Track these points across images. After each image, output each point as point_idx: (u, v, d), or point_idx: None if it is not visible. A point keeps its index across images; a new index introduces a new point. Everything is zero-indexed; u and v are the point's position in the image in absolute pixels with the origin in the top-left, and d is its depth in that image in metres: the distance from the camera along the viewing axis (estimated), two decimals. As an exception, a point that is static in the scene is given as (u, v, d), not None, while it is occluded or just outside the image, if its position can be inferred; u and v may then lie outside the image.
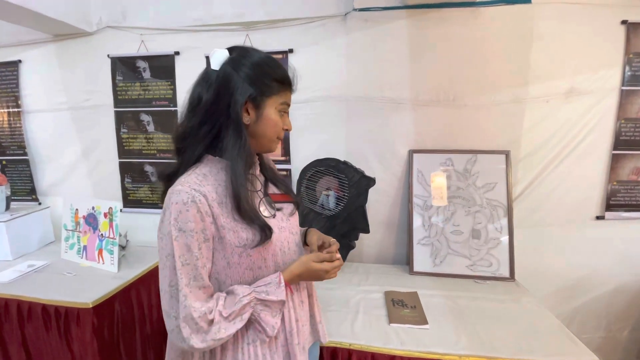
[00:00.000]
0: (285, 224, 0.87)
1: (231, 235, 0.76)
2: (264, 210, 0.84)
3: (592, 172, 1.71)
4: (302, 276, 0.83)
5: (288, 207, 0.91)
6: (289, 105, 0.84)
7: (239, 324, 0.75)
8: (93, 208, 1.70)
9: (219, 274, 0.79)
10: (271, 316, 0.78)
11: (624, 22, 1.58)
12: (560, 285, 1.80)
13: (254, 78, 0.76)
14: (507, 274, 1.59)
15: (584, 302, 1.81)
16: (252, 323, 0.79)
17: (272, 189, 0.91)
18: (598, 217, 1.73)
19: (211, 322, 0.72)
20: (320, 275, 0.84)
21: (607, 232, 1.74)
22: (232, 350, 0.78)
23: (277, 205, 0.88)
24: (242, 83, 0.75)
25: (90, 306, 1.37)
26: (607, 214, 1.72)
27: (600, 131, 1.67)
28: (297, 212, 0.93)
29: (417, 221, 1.70)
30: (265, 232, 0.77)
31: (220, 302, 0.74)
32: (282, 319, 0.82)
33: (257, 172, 0.88)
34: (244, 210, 0.75)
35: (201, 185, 0.74)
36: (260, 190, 0.86)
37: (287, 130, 0.85)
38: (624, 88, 1.63)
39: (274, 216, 0.84)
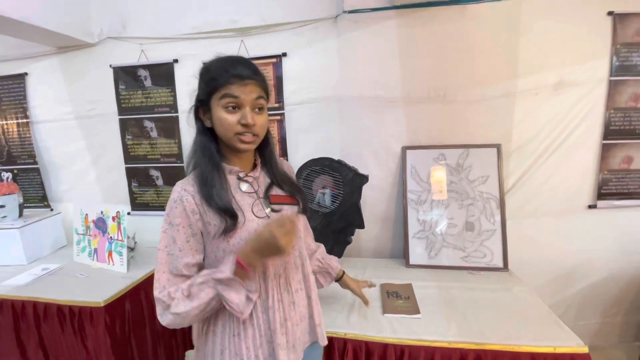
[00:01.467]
0: None
1: (216, 230, 0.82)
2: (258, 211, 0.87)
3: (583, 162, 1.73)
4: (256, 250, 0.78)
5: (288, 210, 0.92)
6: (235, 97, 0.79)
7: (195, 302, 0.77)
8: (102, 212, 1.78)
9: (211, 267, 0.84)
10: (236, 293, 0.78)
11: (610, 13, 1.60)
12: (556, 274, 1.84)
13: (199, 85, 0.85)
14: (500, 264, 1.64)
15: (579, 290, 1.85)
16: (228, 312, 0.82)
17: (279, 192, 0.93)
18: (590, 206, 1.76)
19: (173, 299, 0.78)
20: (273, 244, 0.75)
21: (599, 220, 1.77)
22: (220, 339, 0.85)
23: (276, 207, 0.90)
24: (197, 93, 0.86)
25: (102, 305, 1.45)
26: (599, 203, 1.75)
27: (590, 122, 1.69)
28: (298, 216, 0.93)
29: (411, 215, 1.75)
30: (229, 216, 0.80)
31: (187, 282, 0.79)
32: (267, 317, 0.85)
33: (257, 174, 0.92)
34: (207, 197, 0.81)
35: (191, 185, 0.83)
36: (255, 191, 0.90)
37: (248, 124, 0.80)
38: (612, 78, 1.65)
39: (267, 217, 0.87)
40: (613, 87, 1.65)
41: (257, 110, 0.83)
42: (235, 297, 0.78)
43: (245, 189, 0.89)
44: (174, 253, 0.81)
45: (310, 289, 0.96)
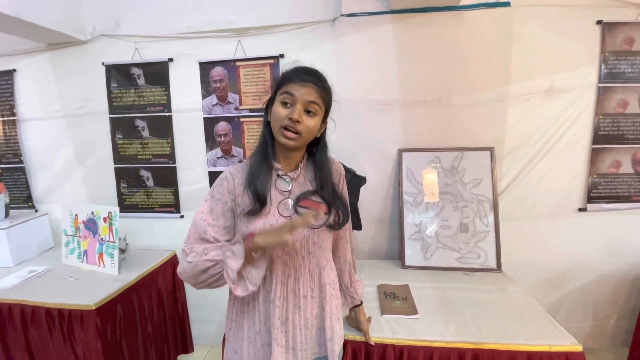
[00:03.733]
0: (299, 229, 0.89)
1: (241, 210, 0.91)
2: (283, 210, 0.91)
3: (573, 166, 1.78)
4: (260, 241, 0.82)
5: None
6: (291, 94, 0.85)
7: (204, 257, 0.86)
8: (92, 213, 1.74)
9: None
10: (235, 263, 0.82)
11: (599, 22, 1.66)
12: (547, 276, 1.88)
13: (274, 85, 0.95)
14: (494, 265, 1.66)
15: (570, 292, 1.89)
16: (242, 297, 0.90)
17: (314, 198, 0.94)
18: (580, 209, 1.81)
19: (192, 251, 0.88)
20: (275, 238, 0.80)
21: (589, 223, 1.82)
22: (232, 310, 0.97)
23: (303, 211, 0.91)
24: None
25: (94, 308, 1.41)
26: (589, 206, 1.80)
27: (580, 127, 1.75)
28: (323, 227, 0.93)
29: (407, 217, 1.77)
30: (259, 201, 0.88)
31: (203, 248, 0.88)
32: (267, 309, 0.90)
33: (295, 175, 0.94)
34: (249, 182, 0.90)
35: (239, 172, 0.95)
36: (288, 191, 0.94)
37: (292, 120, 0.84)
38: (601, 85, 1.71)
39: (289, 218, 0.91)
40: (602, 94, 1.71)
41: (308, 112, 0.87)
42: (234, 265, 0.82)
43: (279, 187, 0.94)
44: (208, 220, 0.92)
45: (325, 300, 0.95)
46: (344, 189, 1.04)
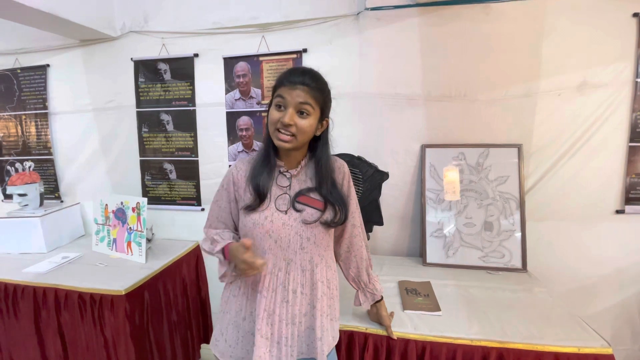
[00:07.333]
0: (293, 223, 0.95)
1: (242, 204, 0.98)
2: (281, 205, 0.96)
3: (608, 165, 1.69)
4: (233, 254, 0.92)
5: (310, 213, 0.96)
6: (282, 97, 0.90)
7: (208, 247, 1.04)
8: (122, 203, 1.80)
9: (242, 236, 1.01)
10: (219, 264, 1.02)
11: (635, 14, 1.58)
12: (581, 284, 1.75)
13: None
14: (519, 265, 1.62)
15: (612, 305, 1.75)
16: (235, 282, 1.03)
17: (312, 195, 0.98)
18: (618, 211, 1.71)
19: (205, 235, 1.07)
20: (238, 265, 0.89)
21: (629, 226, 1.70)
22: (223, 295, 1.07)
23: (299, 207, 0.96)
24: None
25: (123, 293, 1.46)
26: (628, 208, 1.70)
27: (615, 124, 1.66)
28: (317, 223, 0.95)
29: (430, 214, 1.75)
30: (258, 196, 0.95)
31: (216, 231, 1.05)
32: (255, 298, 0.96)
33: (295, 172, 0.99)
34: (252, 178, 0.97)
35: (244, 164, 1.02)
36: (287, 186, 0.98)
37: (284, 122, 0.88)
38: (638, 80, 1.63)
39: (285, 212, 0.95)
40: (639, 90, 1.63)
41: (301, 114, 0.90)
42: (219, 265, 1.02)
43: (280, 183, 0.99)
44: (220, 205, 1.05)
45: (316, 298, 0.95)
46: (350, 189, 1.07)
